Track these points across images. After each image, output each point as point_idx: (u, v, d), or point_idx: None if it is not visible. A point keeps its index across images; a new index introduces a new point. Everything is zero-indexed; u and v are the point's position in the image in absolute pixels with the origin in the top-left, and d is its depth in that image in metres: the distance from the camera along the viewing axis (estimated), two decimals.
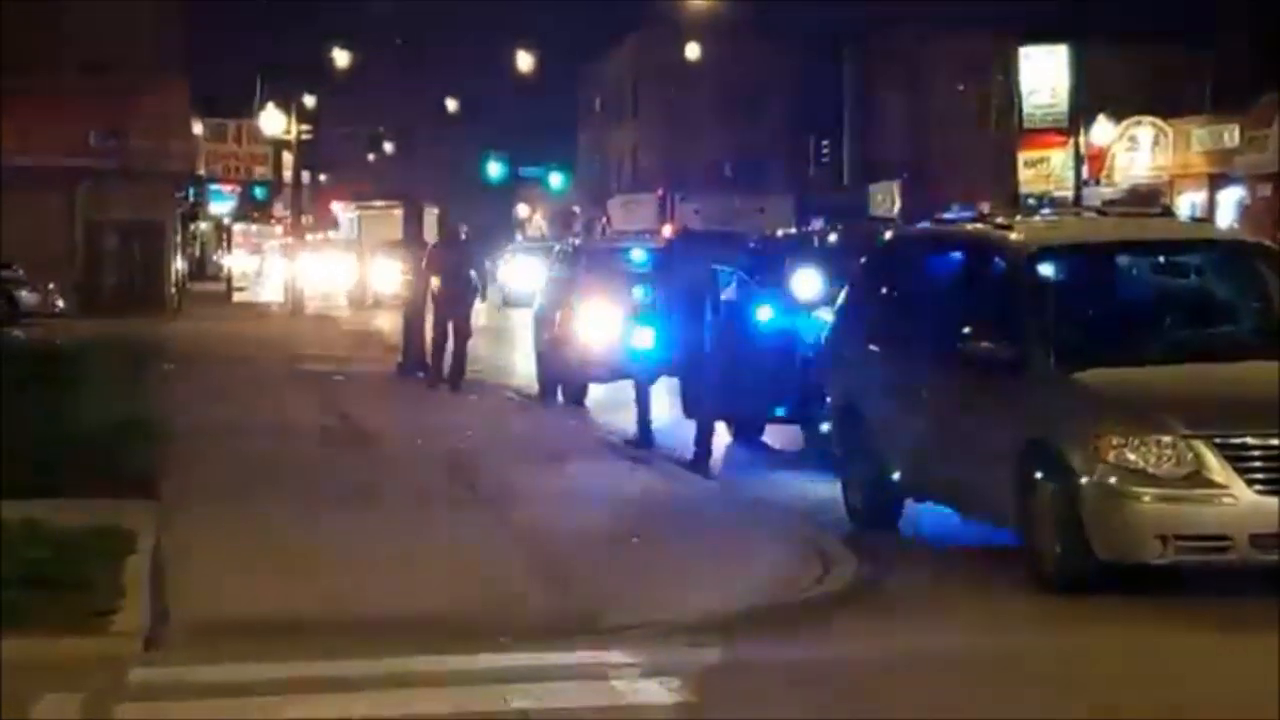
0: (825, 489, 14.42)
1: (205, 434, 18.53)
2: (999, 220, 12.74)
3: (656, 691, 8.24)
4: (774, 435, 18.26)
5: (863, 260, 14.69)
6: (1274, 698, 8.05)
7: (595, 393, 24.16)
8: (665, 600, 10.23)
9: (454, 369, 25.16)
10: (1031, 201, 47.66)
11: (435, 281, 25.79)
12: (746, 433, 18.70)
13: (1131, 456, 10.28)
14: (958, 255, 12.82)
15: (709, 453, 17.97)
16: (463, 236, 28.27)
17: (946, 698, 8.27)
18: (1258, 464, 10.14)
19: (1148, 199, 39.82)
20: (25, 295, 43.92)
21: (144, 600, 9.93)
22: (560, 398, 23.91)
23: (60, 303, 45.54)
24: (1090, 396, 10.75)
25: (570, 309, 24.50)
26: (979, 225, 12.76)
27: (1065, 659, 9.07)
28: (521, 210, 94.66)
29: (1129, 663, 8.95)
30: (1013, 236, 12.21)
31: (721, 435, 18.59)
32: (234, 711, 7.87)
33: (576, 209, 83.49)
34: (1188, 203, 43.55)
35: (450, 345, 25.46)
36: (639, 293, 24.25)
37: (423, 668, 8.70)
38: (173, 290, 53.70)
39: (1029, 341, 11.21)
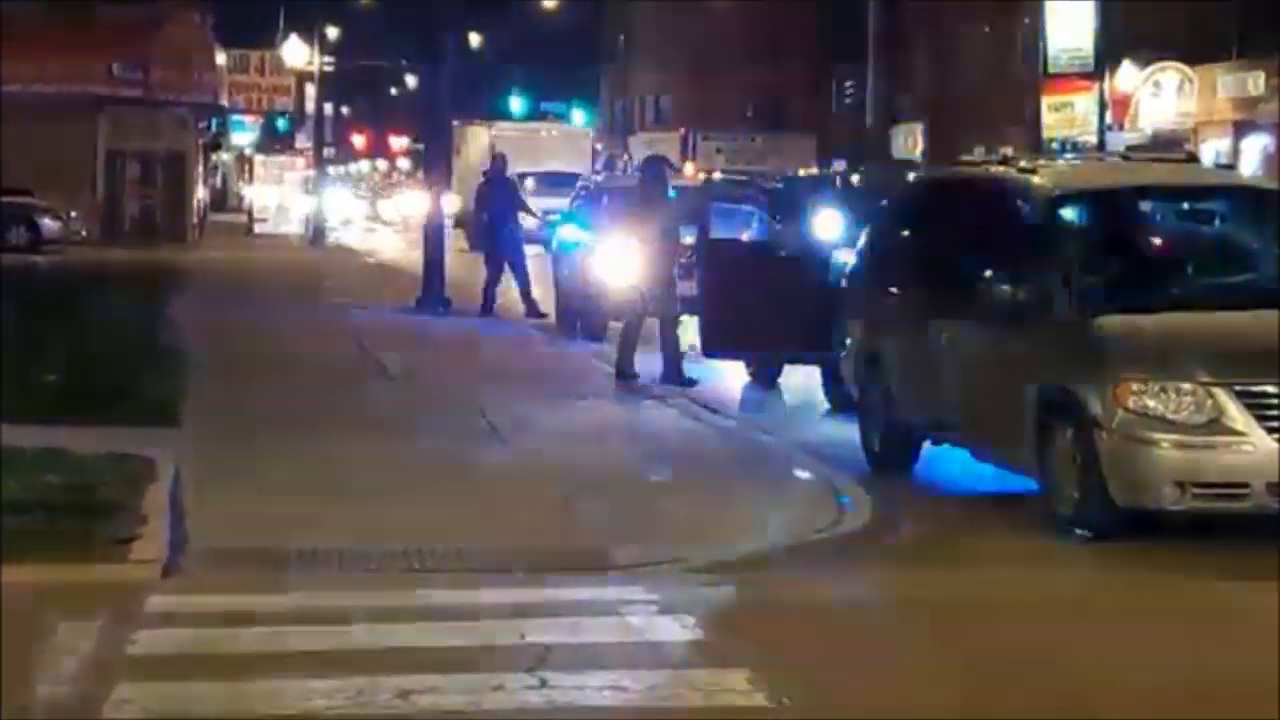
0: (843, 431, 14.44)
1: (226, 363, 18.58)
2: (1023, 164, 12.67)
3: (672, 628, 8.26)
4: (791, 376, 18.24)
5: (885, 202, 14.64)
6: (1266, 645, 8.07)
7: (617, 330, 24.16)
8: (681, 538, 10.24)
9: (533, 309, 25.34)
10: (1055, 146, 47.40)
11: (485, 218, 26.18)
12: (764, 373, 18.68)
13: (1151, 403, 10.27)
14: (981, 198, 12.76)
15: (684, 383, 17.88)
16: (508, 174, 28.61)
17: (960, 637, 8.29)
18: (1276, 412, 10.11)
19: (1171, 146, 39.61)
20: (47, 223, 43.93)
21: (163, 528, 9.96)
22: (580, 334, 23.91)
23: (83, 231, 45.57)
24: (1111, 342, 10.72)
25: (592, 246, 24.46)
26: (1003, 168, 12.70)
27: (1078, 603, 9.07)
28: None
29: (1143, 607, 8.95)
30: (1036, 180, 12.15)
31: (740, 375, 18.62)
32: (252, 640, 7.90)
33: (599, 146, 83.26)
34: (1212, 150, 43.26)
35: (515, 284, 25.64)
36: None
37: (438, 601, 8.73)
38: (194, 221, 53.73)
39: (1050, 286, 11.17)
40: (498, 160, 28.73)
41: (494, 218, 26.93)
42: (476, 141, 52.92)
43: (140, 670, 7.30)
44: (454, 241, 34.26)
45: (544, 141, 54.55)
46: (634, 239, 18.63)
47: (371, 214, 71.30)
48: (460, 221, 26.37)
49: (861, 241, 14.35)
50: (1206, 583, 9.55)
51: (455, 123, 50.39)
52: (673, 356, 18.06)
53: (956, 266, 12.16)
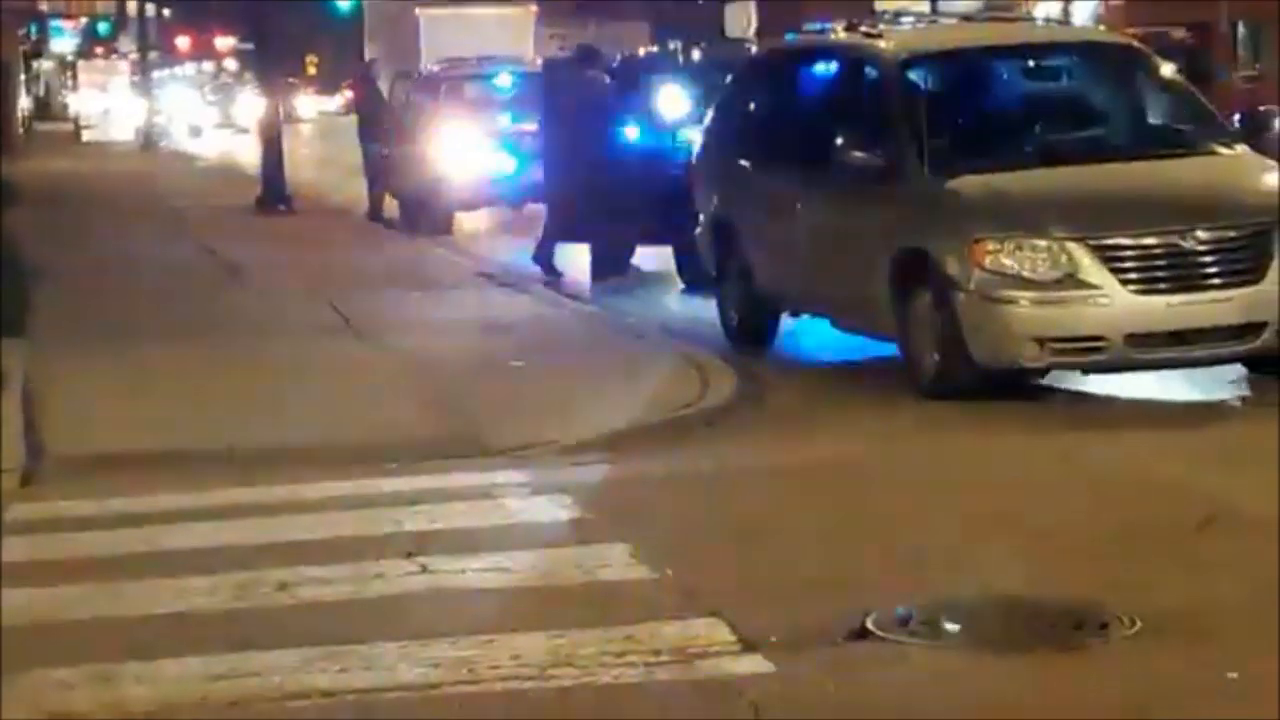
0: (699, 308, 14.46)
1: (68, 271, 18.22)
2: (868, 29, 12.67)
3: (548, 508, 8.23)
4: (644, 257, 18.21)
5: (731, 75, 14.59)
6: (1137, 494, 8.20)
7: (460, 221, 24.06)
8: (549, 421, 10.20)
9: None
10: (888, 16, 47.51)
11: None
12: (617, 255, 18.62)
13: (1006, 261, 10.34)
14: (828, 66, 12.76)
15: (554, 271, 17.89)
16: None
17: (826, 502, 8.35)
18: (1131, 264, 10.24)
19: (1004, 11, 39.87)
20: None
21: (18, 436, 9.76)
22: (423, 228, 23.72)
23: None
24: (964, 202, 10.78)
25: (431, 137, 24.24)
26: (849, 35, 12.69)
27: (937, 463, 9.16)
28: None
29: (1000, 466, 9.06)
30: (883, 45, 12.16)
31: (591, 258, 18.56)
32: (115, 544, 7.76)
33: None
34: (1042, 13, 43.64)
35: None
36: (504, 119, 24.15)
37: (309, 495, 8.63)
38: (19, 130, 52.52)
39: (902, 150, 11.20)
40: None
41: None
42: (402, 24, 48.64)
43: (10, 577, 7.13)
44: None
45: (480, 23, 48.00)
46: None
47: (223, 120, 68.96)
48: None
49: (710, 117, 14.30)
50: (1061, 436, 9.67)
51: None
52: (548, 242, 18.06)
53: (807, 136, 12.17)
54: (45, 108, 73.70)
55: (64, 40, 72.69)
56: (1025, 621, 6.31)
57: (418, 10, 47.53)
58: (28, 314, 14.57)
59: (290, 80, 64.25)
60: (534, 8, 50.04)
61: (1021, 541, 7.41)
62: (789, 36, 14.64)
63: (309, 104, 75.99)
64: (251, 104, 59.21)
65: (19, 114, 53.81)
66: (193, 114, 66.81)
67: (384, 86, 28.55)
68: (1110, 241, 10.26)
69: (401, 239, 22.72)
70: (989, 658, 5.96)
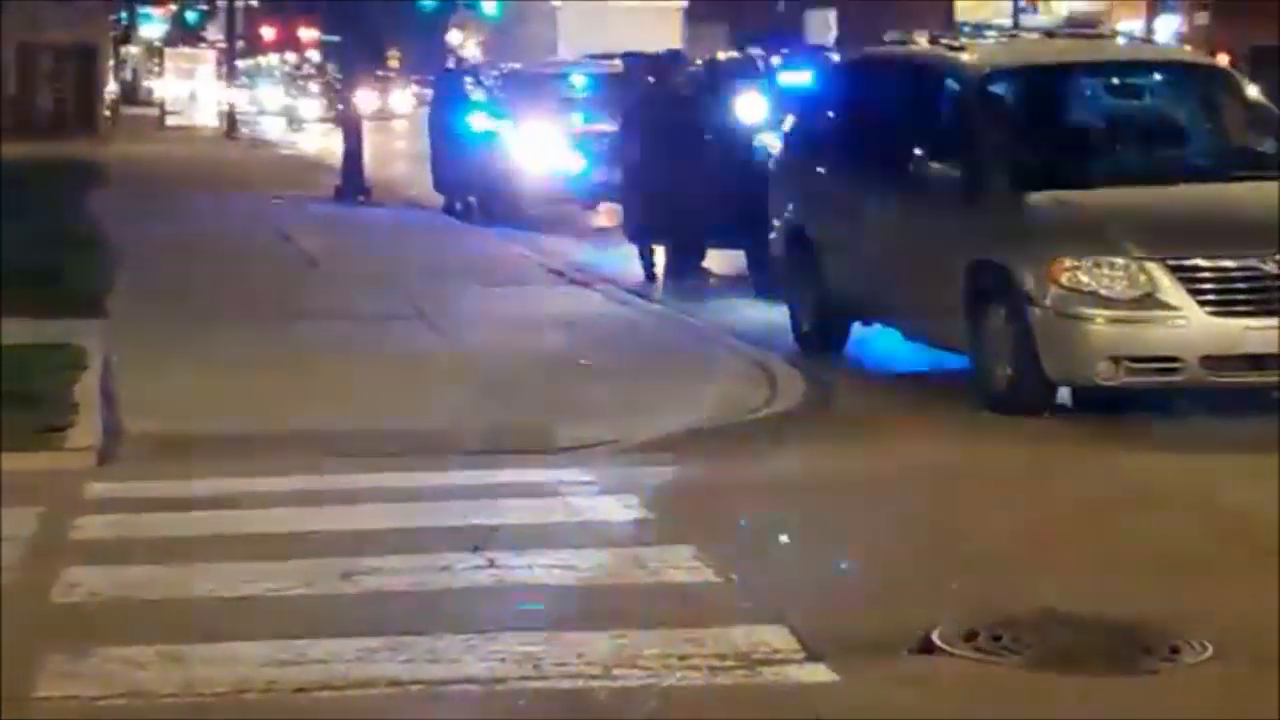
0: (771, 314, 14.46)
1: (150, 253, 18.39)
2: (951, 41, 12.64)
3: (614, 507, 8.27)
4: (717, 260, 18.24)
5: (812, 83, 14.59)
6: (1206, 516, 8.17)
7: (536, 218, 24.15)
8: (616, 420, 10.23)
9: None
10: (968, 29, 47.33)
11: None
12: (689, 257, 18.65)
13: (1084, 278, 10.31)
14: (910, 77, 12.73)
15: (653, 277, 18.03)
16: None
17: (892, 510, 8.35)
18: (1209, 285, 10.18)
19: (1085, 27, 39.67)
20: None
21: (96, 416, 9.87)
22: (499, 221, 23.83)
23: None
24: (1043, 218, 10.75)
25: (508, 134, 24.34)
26: (931, 47, 12.67)
27: (1005, 477, 9.15)
28: (454, 37, 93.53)
29: (1069, 482, 9.03)
30: (965, 57, 12.13)
31: (663, 260, 18.60)
32: (188, 525, 7.85)
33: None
34: (1124, 28, 43.39)
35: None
36: (578, 118, 24.23)
37: (379, 483, 8.70)
38: (105, 114, 53.03)
39: (981, 163, 11.17)
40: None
41: None
42: (536, 18, 45.64)
43: (85, 555, 7.25)
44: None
45: (622, 18, 43.78)
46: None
47: (326, 114, 66.57)
48: None
49: (789, 123, 14.30)
50: (1138, 455, 9.63)
51: None
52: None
53: (886, 146, 12.14)
54: (132, 93, 74.29)
55: (152, 26, 73.28)
56: (1092, 642, 6.27)
57: (555, 3, 45.25)
58: (109, 295, 14.71)
59: (381, 74, 63.74)
60: (682, 2, 46.23)
61: (1089, 560, 7.40)
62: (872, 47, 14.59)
63: (403, 99, 75.43)
64: (359, 98, 57.90)
65: (107, 98, 54.29)
66: (297, 106, 65.99)
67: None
68: (1189, 262, 10.21)
69: (475, 233, 22.81)
70: (1055, 677, 5.94)
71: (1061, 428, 10.28)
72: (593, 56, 25.32)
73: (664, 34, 39.95)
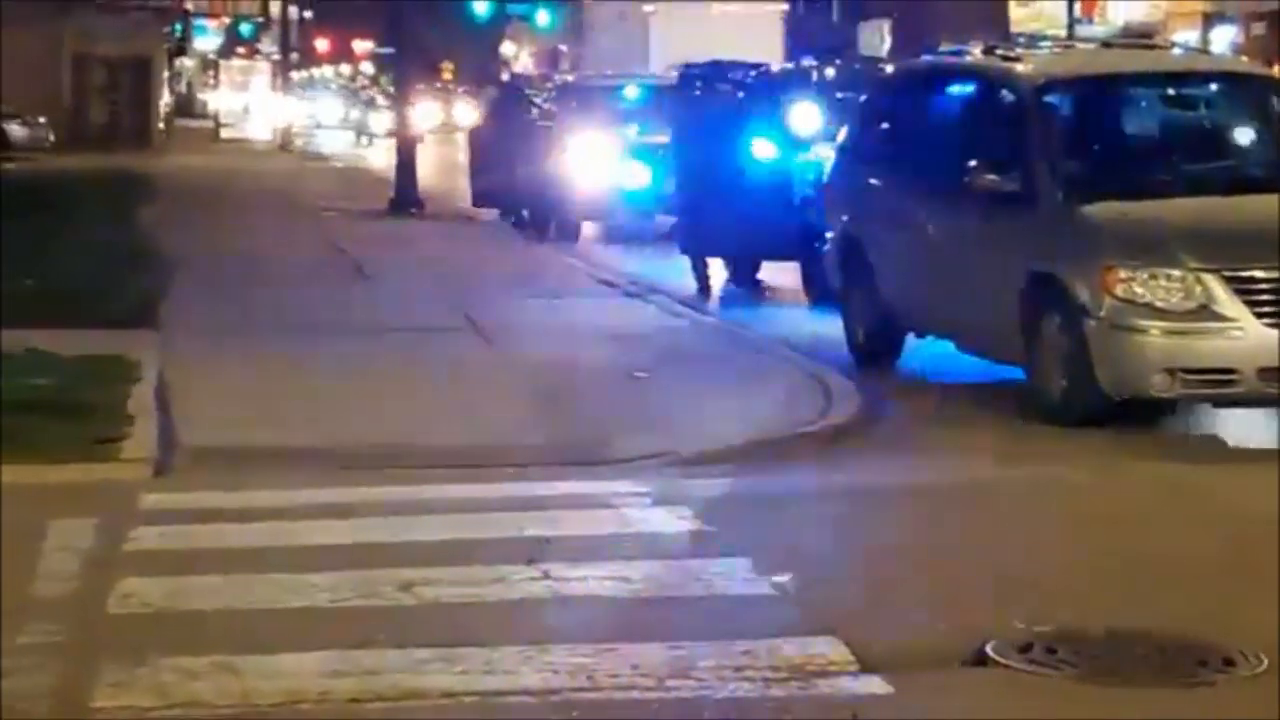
0: (824, 325, 14.43)
1: (202, 265, 18.49)
2: (1005, 52, 12.60)
3: (668, 519, 8.25)
4: (770, 273, 18.22)
5: (865, 94, 14.56)
6: (1263, 528, 8.09)
7: (588, 230, 24.18)
8: (670, 432, 10.22)
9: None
10: (1023, 40, 47.13)
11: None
12: (743, 269, 18.65)
13: (1139, 290, 10.25)
14: (964, 88, 12.70)
15: (707, 289, 18.04)
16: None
17: (946, 522, 8.32)
18: (1266, 297, 10.11)
19: (1141, 38, 39.48)
20: (15, 129, 43.60)
21: (151, 427, 9.92)
22: (554, 235, 23.88)
23: (50, 137, 45.20)
24: (1098, 229, 10.70)
25: (561, 147, 24.38)
26: (986, 57, 12.62)
27: (1060, 489, 9.10)
28: (508, 49, 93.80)
29: (1125, 495, 8.98)
30: (1020, 68, 12.09)
31: (718, 272, 18.61)
32: (242, 537, 7.87)
33: (564, 47, 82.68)
34: (1180, 39, 43.18)
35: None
36: (633, 130, 24.25)
37: (433, 495, 8.71)
38: (160, 126, 53.37)
39: (1036, 174, 11.13)
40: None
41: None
42: (626, 24, 42.05)
43: (140, 566, 7.28)
44: None
45: (719, 23, 39.66)
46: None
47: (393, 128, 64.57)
48: None
49: (842, 135, 14.28)
50: (1196, 469, 9.57)
51: None
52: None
53: (940, 157, 12.11)
54: (186, 105, 74.79)
55: (207, 39, 73.75)
56: (1148, 655, 6.23)
57: (647, 8, 41.33)
58: (162, 307, 14.78)
59: (440, 86, 63.22)
60: (784, 6, 42.66)
61: (1145, 573, 7.35)
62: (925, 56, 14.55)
63: (466, 111, 75.01)
64: (421, 111, 56.70)
65: (161, 110, 54.64)
66: (367, 120, 64.46)
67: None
68: (1245, 273, 10.14)
69: (529, 245, 22.85)
70: (1110, 691, 5.91)
71: (1117, 440, 10.21)
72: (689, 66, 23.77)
73: (767, 40, 37.28)
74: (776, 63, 18.78)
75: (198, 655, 6.07)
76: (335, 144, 58.48)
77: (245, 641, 6.25)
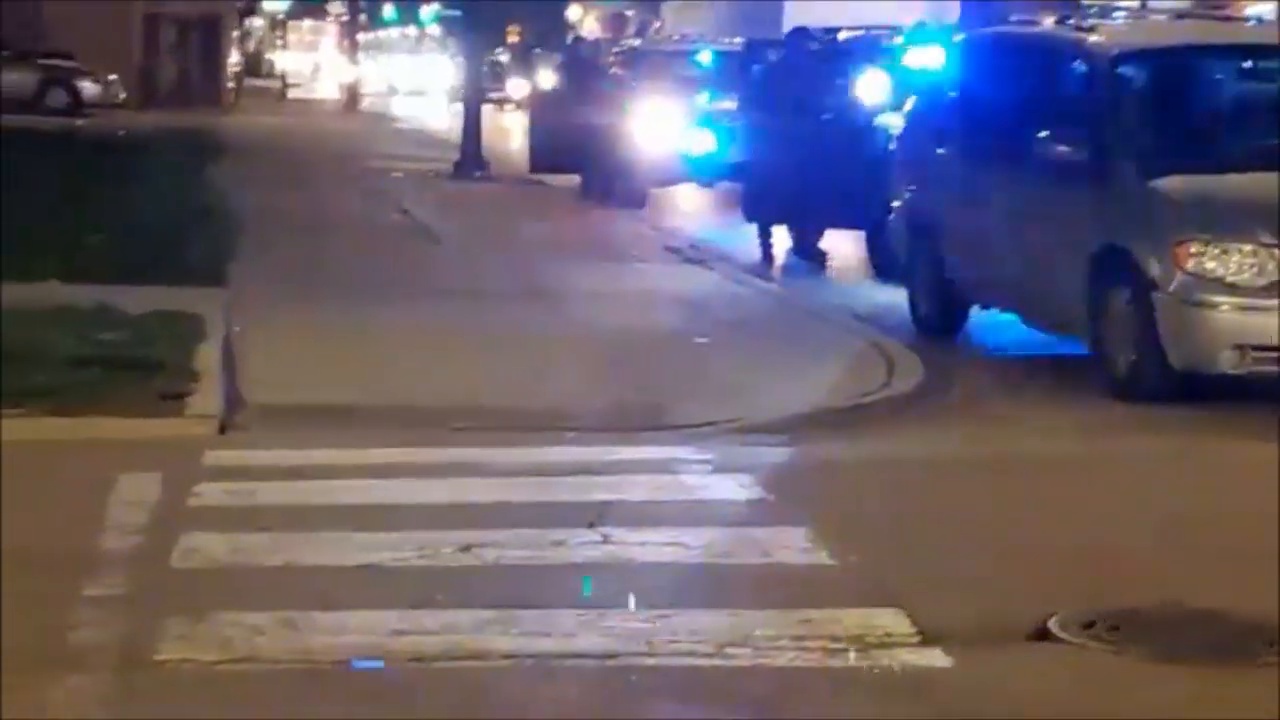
0: (888, 296, 14.38)
1: (269, 225, 18.56)
2: (1078, 23, 12.49)
3: (729, 487, 8.24)
4: (835, 241, 18.15)
5: (935, 63, 14.47)
6: None
7: (652, 196, 24.13)
8: (732, 400, 10.22)
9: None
10: (1095, 11, 46.73)
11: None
12: (806, 238, 18.59)
13: (1210, 265, 10.17)
14: (1036, 58, 12.59)
15: (771, 257, 17.99)
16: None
17: (1010, 495, 8.28)
18: None
19: (1214, 9, 39.05)
20: (87, 86, 43.86)
21: (217, 384, 9.97)
22: (618, 200, 23.84)
23: (121, 95, 45.44)
24: (1170, 203, 10.61)
25: (628, 112, 24.33)
26: (1059, 28, 12.52)
27: (1125, 464, 9.04)
28: (574, 13, 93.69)
29: (1191, 472, 8.92)
30: (1094, 39, 11.98)
31: (781, 240, 18.55)
32: (306, 494, 7.91)
33: (629, 12, 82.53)
34: (1253, 14, 42.71)
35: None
36: (702, 97, 24.18)
37: (494, 457, 8.72)
38: (229, 86, 53.59)
39: (1108, 146, 11.04)
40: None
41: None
42: None
43: (204, 522, 7.32)
44: None
45: None
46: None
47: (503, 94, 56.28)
48: None
49: (911, 104, 14.20)
50: (1262, 446, 9.48)
51: None
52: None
53: (1009, 128, 12.02)
54: (254, 65, 75.02)
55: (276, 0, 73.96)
56: (1213, 635, 6.18)
57: None
58: (229, 265, 14.86)
59: (537, 50, 62.04)
60: None
61: (1211, 551, 7.29)
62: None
63: (546, 76, 73.79)
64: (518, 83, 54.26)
65: (230, 70, 54.85)
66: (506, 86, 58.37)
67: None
68: None
69: (595, 211, 22.84)
70: (1175, 669, 5.86)
71: (1184, 416, 10.14)
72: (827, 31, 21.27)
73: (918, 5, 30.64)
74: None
75: (260, 611, 6.11)
76: (401, 106, 58.52)
77: (307, 598, 6.29)
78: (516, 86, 55.72)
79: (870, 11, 23.44)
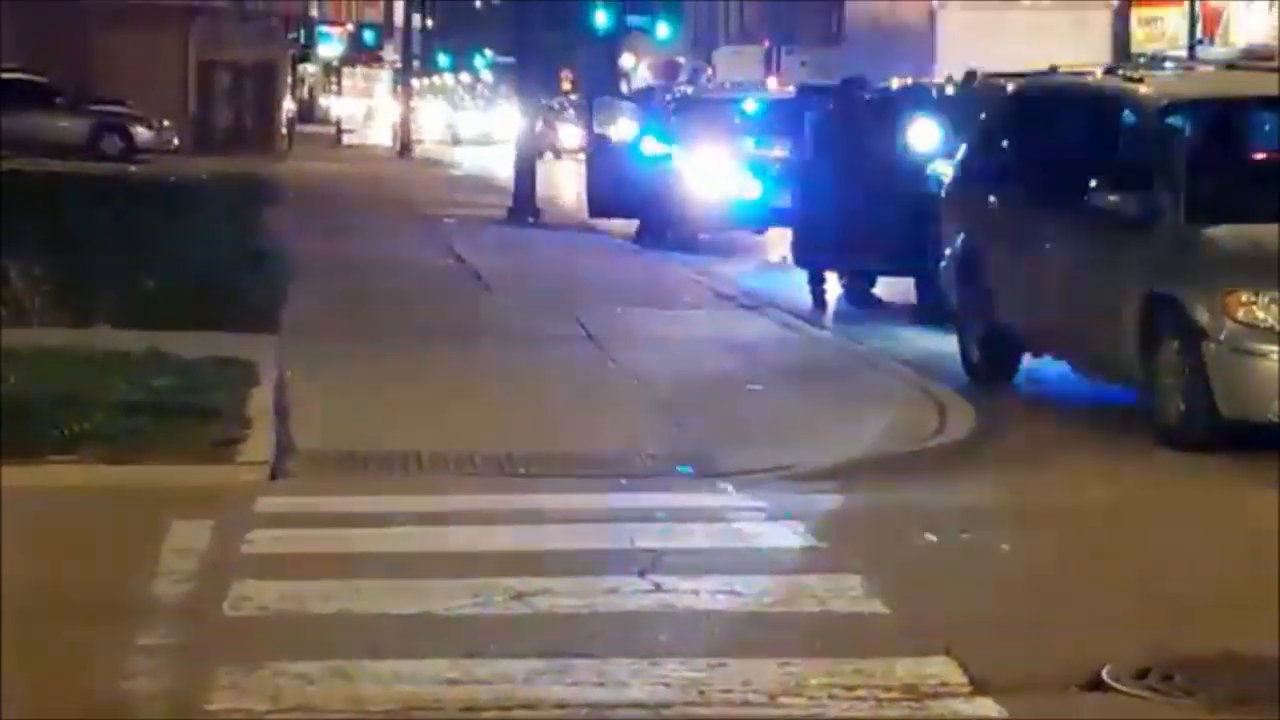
0: (939, 342, 14.36)
1: (322, 270, 18.66)
2: (1128, 72, 12.50)
3: (782, 534, 8.24)
4: (887, 288, 18.15)
5: (985, 112, 14.48)
6: None
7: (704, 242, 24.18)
8: (784, 447, 10.22)
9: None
10: (1143, 60, 46.60)
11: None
12: (858, 284, 18.59)
13: (1261, 314, 10.15)
14: (1085, 107, 12.61)
15: (822, 303, 18.00)
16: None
17: (1063, 544, 8.25)
18: None
19: (1263, 60, 38.93)
20: (141, 132, 44.22)
21: (269, 431, 10.02)
22: (670, 245, 23.91)
23: (175, 140, 45.82)
24: (1220, 252, 10.59)
25: (680, 158, 24.43)
26: (1108, 77, 12.53)
27: (1177, 514, 9.00)
28: (626, 61, 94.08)
29: (1243, 521, 8.85)
30: (1144, 89, 11.99)
31: (832, 286, 18.56)
32: (357, 542, 7.93)
33: (681, 60, 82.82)
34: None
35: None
36: (750, 143, 24.27)
37: (545, 504, 8.73)
38: (283, 131, 53.96)
39: (1158, 194, 11.03)
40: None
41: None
42: (906, 27, 37.24)
43: (256, 569, 7.35)
44: None
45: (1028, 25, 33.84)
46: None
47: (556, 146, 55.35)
48: None
49: (962, 151, 14.21)
50: None
51: None
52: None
53: (1059, 176, 12.04)
54: (309, 111, 75.56)
55: (330, 45, 74.51)
56: (1268, 684, 6.13)
57: (935, 5, 37.38)
58: (282, 311, 14.94)
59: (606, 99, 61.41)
60: (1113, 2, 37.53)
61: (1265, 600, 7.24)
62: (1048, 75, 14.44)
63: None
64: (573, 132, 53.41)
65: (284, 115, 55.22)
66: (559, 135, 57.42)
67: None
68: None
69: (644, 256, 22.89)
70: (1229, 719, 5.83)
71: (1235, 465, 10.09)
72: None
73: (1084, 45, 31.26)
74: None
75: (311, 660, 6.11)
76: (464, 153, 58.65)
77: (359, 647, 6.29)
78: (569, 135, 55.57)
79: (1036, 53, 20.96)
